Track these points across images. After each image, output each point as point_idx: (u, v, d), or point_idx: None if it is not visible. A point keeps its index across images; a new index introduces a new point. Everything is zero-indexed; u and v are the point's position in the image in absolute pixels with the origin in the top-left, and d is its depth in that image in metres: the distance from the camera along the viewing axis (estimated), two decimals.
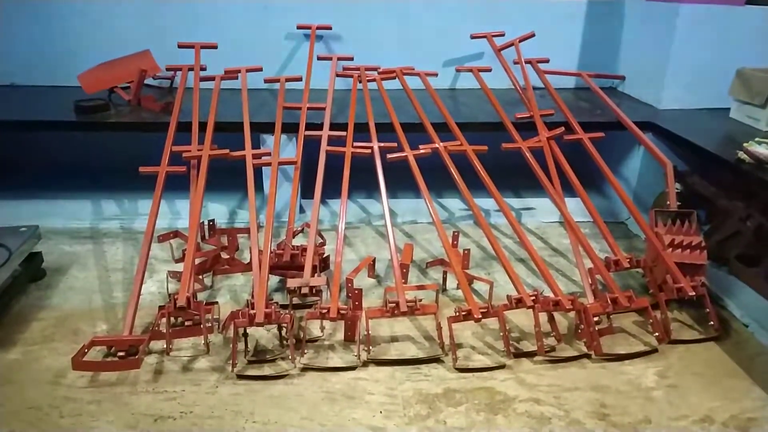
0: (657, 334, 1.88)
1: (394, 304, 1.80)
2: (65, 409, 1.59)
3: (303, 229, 2.41)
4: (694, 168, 2.48)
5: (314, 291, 1.87)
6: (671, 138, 2.48)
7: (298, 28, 3.05)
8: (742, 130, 2.47)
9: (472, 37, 3.07)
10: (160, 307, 1.81)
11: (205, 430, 1.54)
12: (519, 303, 1.83)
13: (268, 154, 2.34)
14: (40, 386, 1.66)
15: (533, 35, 3.03)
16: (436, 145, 2.35)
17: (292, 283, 1.87)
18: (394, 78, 2.87)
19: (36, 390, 1.65)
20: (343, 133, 2.40)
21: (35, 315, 1.99)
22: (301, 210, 2.77)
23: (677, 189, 2.28)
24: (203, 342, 1.80)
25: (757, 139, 2.18)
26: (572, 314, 1.96)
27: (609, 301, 1.86)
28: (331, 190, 2.33)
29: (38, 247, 2.20)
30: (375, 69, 2.92)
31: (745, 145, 2.10)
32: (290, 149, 2.53)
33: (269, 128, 2.48)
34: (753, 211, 2.09)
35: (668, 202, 2.20)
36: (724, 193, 2.25)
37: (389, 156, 2.28)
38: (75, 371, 1.68)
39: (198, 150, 2.27)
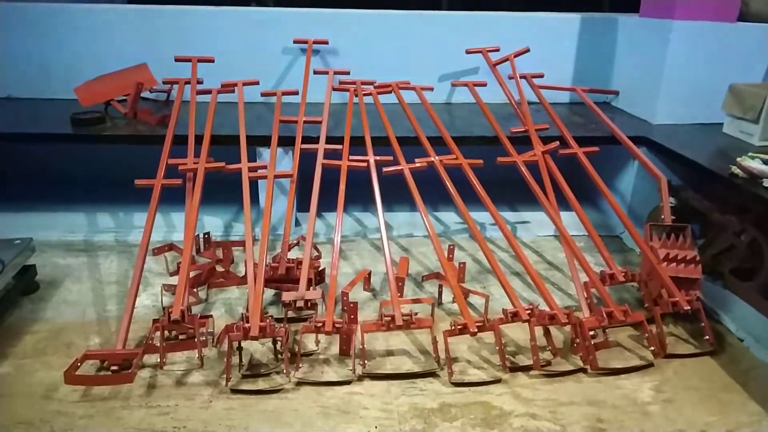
0: (652, 348, 1.88)
1: (389, 318, 1.79)
2: (57, 423, 1.57)
3: (298, 242, 2.41)
4: (688, 182, 2.49)
5: (309, 304, 1.86)
6: (665, 152, 2.49)
7: (295, 42, 3.07)
8: (735, 144, 2.49)
9: (468, 52, 3.10)
10: (154, 321, 1.80)
11: None
12: (515, 317, 1.82)
13: (264, 167, 2.34)
14: (31, 400, 1.65)
15: (528, 50, 3.05)
16: (432, 159, 2.36)
17: (287, 296, 1.86)
18: (390, 92, 2.89)
19: (27, 404, 1.63)
20: (340, 147, 2.41)
21: (28, 328, 1.98)
22: (297, 223, 2.77)
23: (671, 203, 2.29)
24: (197, 356, 1.79)
25: (750, 153, 2.19)
26: (568, 328, 1.95)
27: (604, 315, 1.86)
28: (327, 204, 2.33)
29: (32, 259, 2.19)
30: (371, 83, 2.93)
31: (738, 159, 2.11)
32: (286, 162, 2.53)
33: (265, 141, 2.48)
34: (747, 225, 2.10)
35: (662, 216, 2.21)
36: (718, 207, 2.26)
37: (385, 169, 2.29)
38: (67, 385, 1.67)
39: (194, 163, 2.27)
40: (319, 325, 1.76)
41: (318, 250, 2.33)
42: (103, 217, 2.80)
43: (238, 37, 3.06)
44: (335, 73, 2.97)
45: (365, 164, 2.34)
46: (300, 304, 1.84)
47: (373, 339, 1.94)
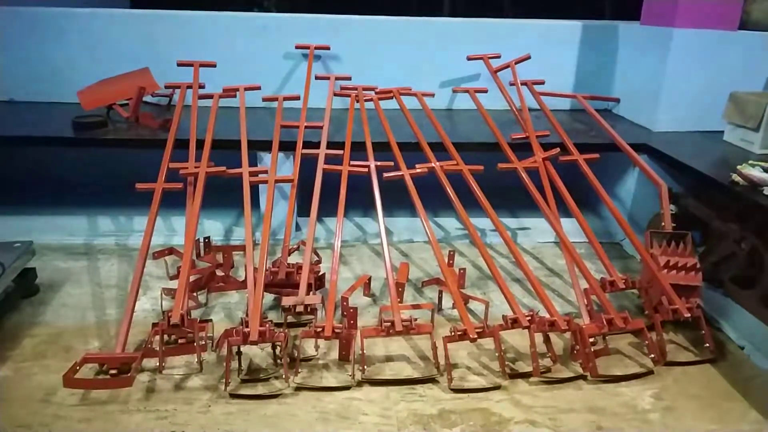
0: (653, 355, 1.88)
1: (389, 323, 1.79)
2: (55, 427, 1.57)
3: (299, 247, 2.41)
4: (689, 190, 2.50)
5: (309, 309, 1.86)
6: (666, 160, 2.49)
7: (297, 47, 3.08)
8: (736, 152, 2.49)
9: (469, 58, 3.10)
10: (154, 325, 1.80)
11: None
12: (515, 323, 1.82)
13: (265, 171, 2.34)
14: (30, 404, 1.64)
15: (529, 57, 3.06)
16: (433, 165, 2.36)
17: (287, 301, 1.86)
18: (391, 98, 2.90)
19: (26, 408, 1.63)
20: (340, 152, 2.42)
21: (27, 331, 1.97)
22: (297, 228, 2.77)
23: (672, 210, 2.29)
24: (196, 360, 1.79)
25: (750, 161, 2.19)
26: (568, 335, 1.95)
27: (605, 322, 1.85)
28: (328, 209, 2.33)
29: (32, 262, 2.19)
30: (372, 89, 2.94)
31: (738, 167, 2.12)
32: (287, 167, 2.54)
33: (266, 146, 2.49)
34: (747, 233, 2.10)
35: (663, 224, 2.21)
36: (719, 215, 2.26)
37: (386, 175, 2.29)
38: (66, 389, 1.67)
39: (195, 167, 2.27)
40: (319, 330, 1.76)
41: (318, 255, 2.33)
42: (104, 221, 2.81)
43: (239, 42, 3.07)
44: (337, 78, 2.98)
45: (366, 169, 2.34)
46: (300, 309, 1.83)
47: (372, 344, 1.94)
